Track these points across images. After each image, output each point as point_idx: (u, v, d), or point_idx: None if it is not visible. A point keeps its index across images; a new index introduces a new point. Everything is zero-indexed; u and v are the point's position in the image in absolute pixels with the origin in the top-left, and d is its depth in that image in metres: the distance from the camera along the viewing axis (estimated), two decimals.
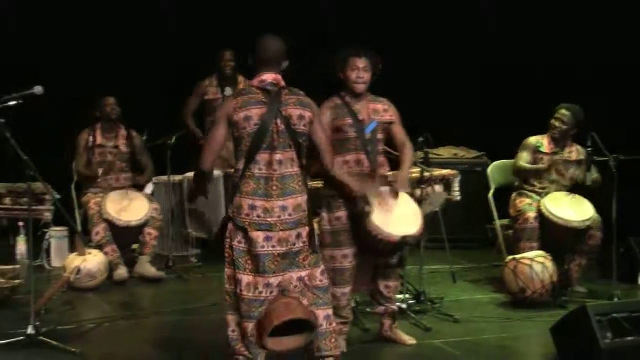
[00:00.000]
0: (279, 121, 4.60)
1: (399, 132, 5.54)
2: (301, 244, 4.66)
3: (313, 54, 7.28)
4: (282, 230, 4.59)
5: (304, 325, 4.64)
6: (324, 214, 5.38)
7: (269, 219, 4.56)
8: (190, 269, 7.83)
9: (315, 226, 8.48)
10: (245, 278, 4.58)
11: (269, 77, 4.66)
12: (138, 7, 9.01)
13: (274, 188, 4.58)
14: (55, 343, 5.38)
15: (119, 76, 8.60)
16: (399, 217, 5.31)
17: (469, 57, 9.49)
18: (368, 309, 6.06)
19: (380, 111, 5.48)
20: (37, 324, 5.44)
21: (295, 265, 4.66)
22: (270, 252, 4.57)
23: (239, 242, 4.59)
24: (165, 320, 6.31)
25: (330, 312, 4.80)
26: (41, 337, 5.41)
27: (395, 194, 5.38)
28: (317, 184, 5.81)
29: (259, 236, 4.55)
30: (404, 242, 5.26)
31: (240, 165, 4.61)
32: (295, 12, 9.10)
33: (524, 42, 9.14)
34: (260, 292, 4.57)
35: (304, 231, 4.67)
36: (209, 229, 7.78)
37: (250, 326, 4.59)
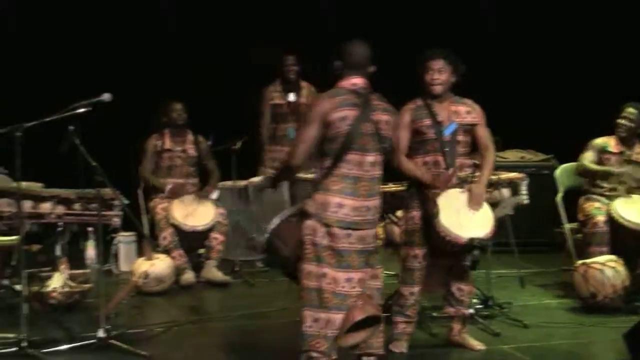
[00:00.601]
0: (369, 125, 4.71)
1: (483, 134, 5.53)
2: (374, 244, 4.80)
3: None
4: (363, 229, 4.70)
5: (369, 321, 4.76)
6: (401, 213, 5.51)
7: (355, 218, 4.68)
8: (256, 273, 7.85)
9: (379, 230, 8.65)
10: (331, 272, 4.67)
11: (359, 81, 4.76)
12: (203, 13, 9.08)
13: (364, 188, 4.69)
14: (125, 346, 5.44)
15: (186, 81, 8.67)
16: (469, 219, 5.30)
17: (535, 57, 9.40)
18: (435, 314, 6.02)
19: (462, 113, 5.47)
20: (107, 327, 5.51)
21: (367, 264, 4.77)
22: (350, 248, 4.69)
23: (322, 238, 4.67)
24: (233, 325, 6.34)
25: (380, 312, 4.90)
26: (111, 340, 5.47)
27: (472, 201, 5.37)
28: (392, 186, 5.85)
29: (341, 233, 4.65)
30: (472, 244, 5.24)
31: (327, 164, 4.70)
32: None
33: (591, 43, 9.04)
34: (343, 287, 4.68)
35: (376, 231, 4.82)
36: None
37: (339, 318, 4.66)
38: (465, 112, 5.48)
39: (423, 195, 5.36)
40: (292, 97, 8.24)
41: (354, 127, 4.65)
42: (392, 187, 6.14)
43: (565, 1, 9.30)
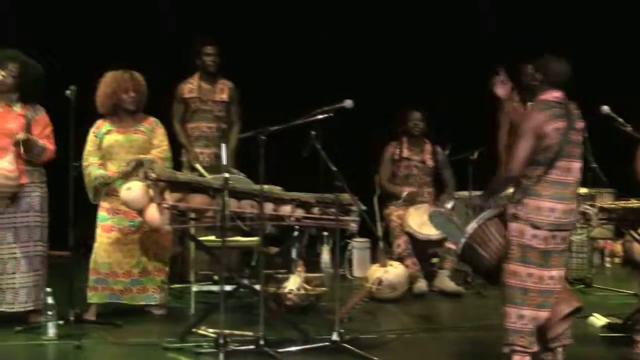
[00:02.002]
0: (575, 133, 4.98)
1: None
2: (567, 244, 5.07)
3: None
4: (567, 230, 4.99)
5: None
6: None
7: (563, 220, 4.94)
8: (489, 285, 7.71)
9: (618, 247, 8.31)
10: (537, 272, 4.93)
11: (559, 94, 5.01)
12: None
13: (571, 193, 4.97)
14: (357, 351, 5.50)
15: (426, 90, 8.69)
16: None
17: None
18: None
19: None
20: (341, 330, 5.59)
21: (563, 262, 5.07)
22: (555, 248, 4.96)
23: (530, 239, 4.92)
24: (464, 335, 6.28)
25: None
26: (344, 344, 5.55)
27: None
28: (635, 202, 5.70)
29: (549, 235, 4.92)
30: None
31: (539, 172, 4.92)
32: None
33: None
34: (547, 284, 4.96)
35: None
36: None
37: (545, 315, 4.97)
38: None
39: None
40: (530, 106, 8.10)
41: (564, 137, 4.91)
42: (634, 202, 5.92)
43: None
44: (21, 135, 6.04)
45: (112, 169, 6.47)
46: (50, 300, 5.82)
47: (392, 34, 9.15)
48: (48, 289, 5.86)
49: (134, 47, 8.91)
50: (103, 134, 6.52)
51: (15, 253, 6.15)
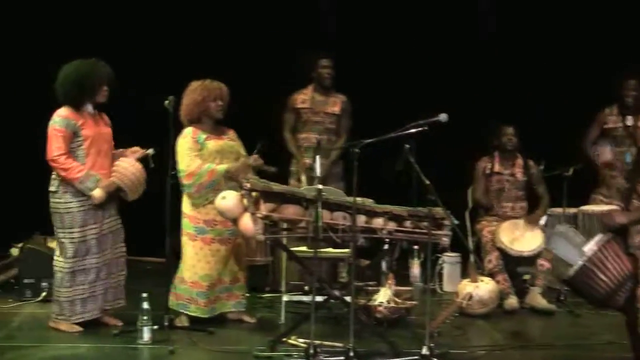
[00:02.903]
0: None
1: None
2: None
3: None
4: None
5: None
6: None
7: None
8: (582, 304, 7.59)
9: None
10: None
11: None
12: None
13: None
14: None
15: (519, 105, 8.64)
16: None
17: None
18: None
19: None
20: (431, 345, 5.57)
21: None
22: None
23: None
24: (555, 354, 6.19)
25: None
26: (434, 359, 5.53)
27: None
28: None
29: None
30: None
31: None
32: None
33: None
34: None
35: None
36: None
37: None
38: None
39: None
40: (629, 120, 7.98)
41: None
42: None
43: None
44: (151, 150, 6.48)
45: None
46: (145, 305, 5.95)
47: (490, 51, 9.15)
48: (144, 294, 5.98)
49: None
50: (204, 140, 6.51)
51: (113, 254, 6.45)
